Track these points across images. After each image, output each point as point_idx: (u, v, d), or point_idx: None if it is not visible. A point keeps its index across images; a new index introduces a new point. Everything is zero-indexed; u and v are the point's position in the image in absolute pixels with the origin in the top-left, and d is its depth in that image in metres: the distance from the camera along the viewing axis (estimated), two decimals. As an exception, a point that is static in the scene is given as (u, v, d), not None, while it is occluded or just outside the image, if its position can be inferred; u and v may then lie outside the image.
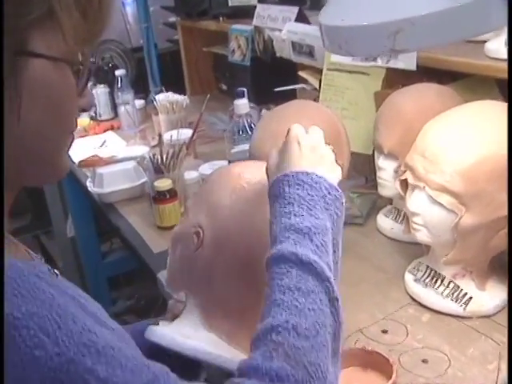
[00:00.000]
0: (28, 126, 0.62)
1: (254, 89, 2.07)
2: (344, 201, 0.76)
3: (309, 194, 0.72)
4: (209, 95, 1.74)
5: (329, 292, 0.68)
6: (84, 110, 0.72)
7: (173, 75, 2.65)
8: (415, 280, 1.18)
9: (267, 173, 0.80)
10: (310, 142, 0.79)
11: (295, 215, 0.71)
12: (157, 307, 2.70)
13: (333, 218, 0.74)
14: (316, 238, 0.70)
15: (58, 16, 0.61)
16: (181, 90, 2.36)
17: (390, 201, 1.47)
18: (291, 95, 2.02)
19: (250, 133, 1.44)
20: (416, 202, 1.09)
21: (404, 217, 1.39)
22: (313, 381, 0.61)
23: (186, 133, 1.80)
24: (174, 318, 0.92)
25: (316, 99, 1.71)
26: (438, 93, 1.30)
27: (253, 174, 0.89)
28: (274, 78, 2.07)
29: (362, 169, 1.64)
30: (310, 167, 0.75)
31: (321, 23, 0.80)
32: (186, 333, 0.87)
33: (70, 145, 0.70)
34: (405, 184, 1.15)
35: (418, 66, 1.43)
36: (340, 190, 0.75)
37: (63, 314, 0.55)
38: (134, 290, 2.76)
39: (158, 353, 0.80)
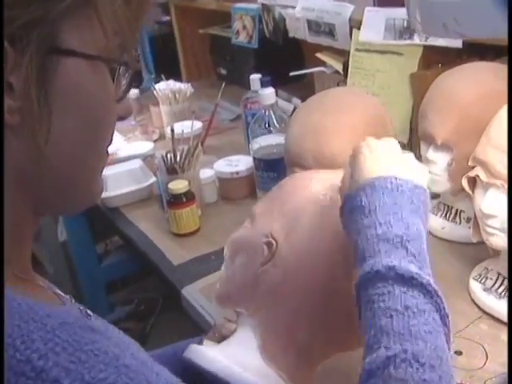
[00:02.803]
0: (59, 146, 0.49)
1: (260, 73, 1.89)
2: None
3: (392, 200, 0.63)
4: (224, 83, 1.56)
5: (439, 308, 0.58)
6: (121, 119, 0.57)
7: (165, 60, 2.44)
8: (484, 290, 1.03)
9: (341, 192, 0.72)
10: (382, 145, 0.70)
11: (381, 224, 0.62)
12: (157, 311, 2.54)
13: (423, 221, 0.65)
14: (411, 246, 0.60)
15: (96, 0, 0.47)
16: (175, 76, 2.16)
17: (432, 195, 1.32)
18: (303, 80, 1.86)
19: (277, 125, 1.27)
20: (492, 202, 0.94)
21: (456, 214, 1.25)
22: None
23: (194, 125, 1.61)
24: (222, 339, 0.79)
25: (340, 83, 1.55)
26: (496, 72, 1.13)
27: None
28: (283, 61, 1.90)
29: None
30: (387, 171, 0.66)
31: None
32: (240, 360, 0.72)
33: (105, 163, 0.58)
34: (472, 181, 1.00)
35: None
36: (427, 191, 0.67)
37: (134, 376, 0.45)
38: (132, 293, 2.58)
39: (194, 375, 0.69)
